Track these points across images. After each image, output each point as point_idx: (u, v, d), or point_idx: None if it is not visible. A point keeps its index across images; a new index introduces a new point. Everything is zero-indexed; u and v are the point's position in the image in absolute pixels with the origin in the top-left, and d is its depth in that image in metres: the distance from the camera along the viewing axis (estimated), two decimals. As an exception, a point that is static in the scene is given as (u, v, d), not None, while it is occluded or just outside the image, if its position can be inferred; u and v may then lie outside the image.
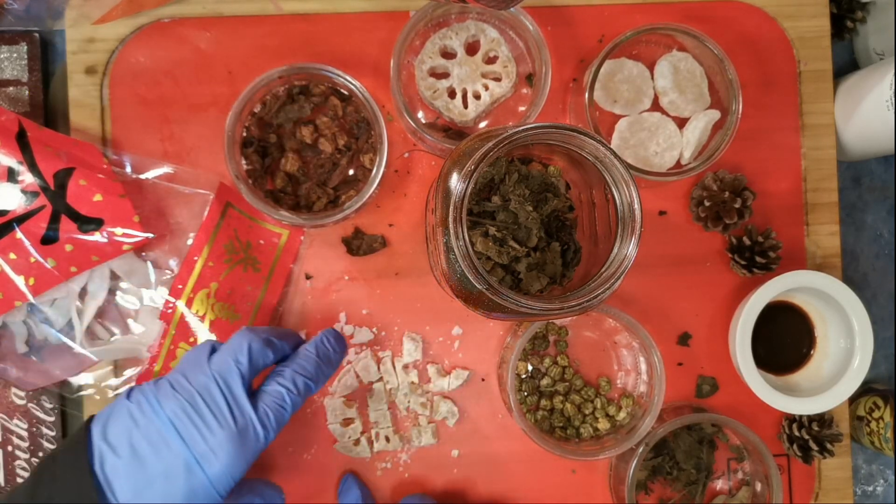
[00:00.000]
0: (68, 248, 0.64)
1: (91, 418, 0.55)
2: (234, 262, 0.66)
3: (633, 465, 0.67)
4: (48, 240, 0.64)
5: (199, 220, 0.67)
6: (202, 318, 0.65)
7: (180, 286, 0.65)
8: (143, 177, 0.67)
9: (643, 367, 0.71)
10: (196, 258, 0.65)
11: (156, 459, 0.51)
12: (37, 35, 0.70)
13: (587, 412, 0.70)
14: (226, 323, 0.66)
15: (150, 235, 0.66)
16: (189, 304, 0.65)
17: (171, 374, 0.55)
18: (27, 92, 0.69)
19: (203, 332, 0.65)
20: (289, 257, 0.69)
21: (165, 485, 0.50)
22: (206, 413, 0.52)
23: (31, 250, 0.63)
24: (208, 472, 0.51)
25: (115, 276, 0.68)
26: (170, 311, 0.65)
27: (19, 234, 0.63)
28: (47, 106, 0.70)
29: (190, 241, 0.67)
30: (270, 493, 0.62)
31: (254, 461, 0.54)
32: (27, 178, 0.63)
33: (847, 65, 0.78)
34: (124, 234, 0.65)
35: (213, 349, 0.58)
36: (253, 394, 0.56)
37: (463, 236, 0.50)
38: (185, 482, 0.51)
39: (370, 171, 0.66)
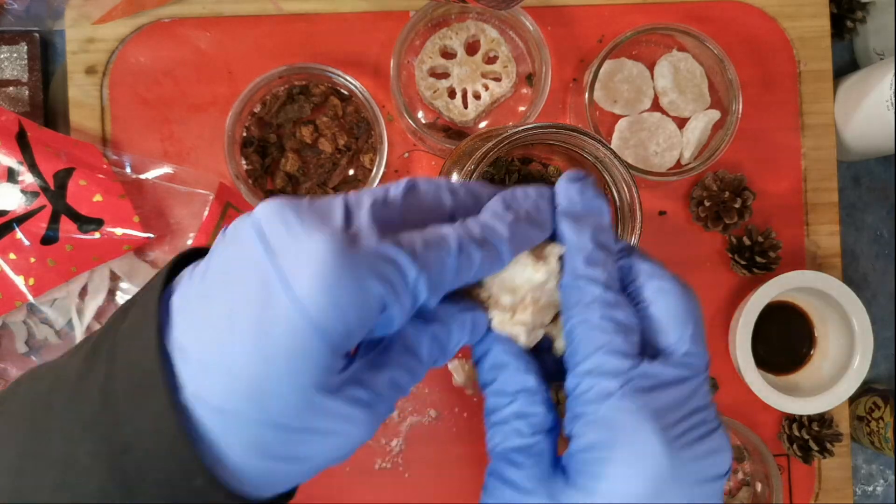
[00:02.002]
0: (68, 248, 0.64)
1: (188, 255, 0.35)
2: None
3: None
4: (48, 240, 0.64)
5: (199, 221, 0.67)
6: None
7: None
8: (143, 177, 0.67)
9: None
10: None
11: (224, 277, 0.30)
12: (37, 35, 0.70)
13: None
14: None
15: (150, 236, 0.66)
16: None
17: None
18: (27, 92, 0.69)
19: None
20: None
21: (232, 308, 0.29)
22: (307, 213, 0.30)
23: (31, 250, 0.63)
24: (296, 289, 0.28)
25: (114, 277, 0.68)
26: None
27: (19, 235, 0.63)
28: (47, 106, 0.70)
29: (190, 242, 0.67)
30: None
31: (384, 300, 0.30)
32: (27, 178, 0.63)
33: (847, 65, 0.78)
34: (124, 235, 0.65)
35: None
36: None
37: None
38: (259, 303, 0.28)
39: (370, 171, 0.66)
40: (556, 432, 0.35)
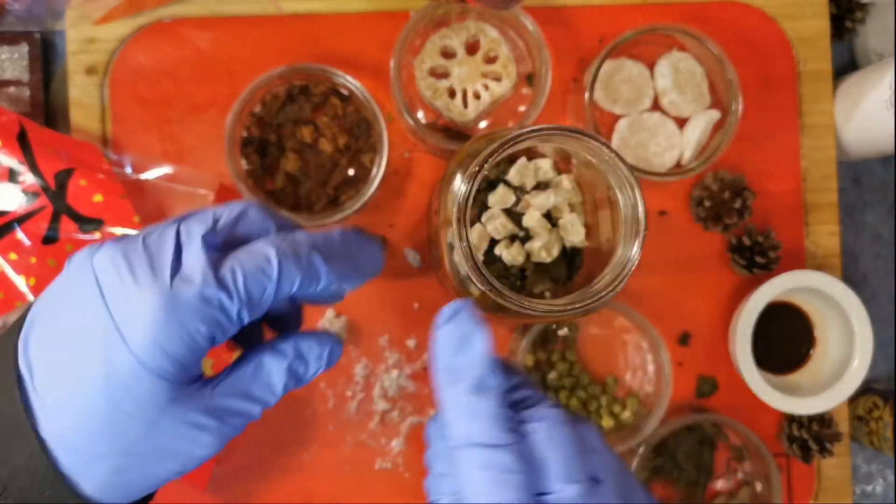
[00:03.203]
0: (69, 248, 0.64)
1: None
2: None
3: (634, 465, 0.67)
4: (49, 240, 0.64)
5: None
6: None
7: None
8: (143, 177, 0.67)
9: (650, 367, 0.71)
10: None
11: (70, 326, 0.35)
12: (37, 35, 0.70)
13: (592, 409, 0.70)
14: None
15: None
16: None
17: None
18: (28, 92, 0.69)
19: None
20: None
21: (79, 359, 0.34)
22: (139, 263, 0.35)
23: (32, 251, 0.63)
24: (129, 342, 0.34)
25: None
26: None
27: (20, 235, 0.63)
28: (48, 106, 0.70)
29: None
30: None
31: (211, 333, 0.35)
32: (28, 178, 0.63)
33: (847, 65, 0.78)
34: (125, 235, 0.65)
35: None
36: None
37: (466, 237, 0.51)
38: (102, 353, 0.34)
39: (370, 171, 0.66)
40: None
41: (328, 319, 0.70)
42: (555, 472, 0.37)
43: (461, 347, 0.39)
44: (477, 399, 0.38)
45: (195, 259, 0.35)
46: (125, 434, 0.34)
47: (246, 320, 0.36)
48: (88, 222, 0.64)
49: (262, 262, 0.36)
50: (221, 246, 0.37)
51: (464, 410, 0.38)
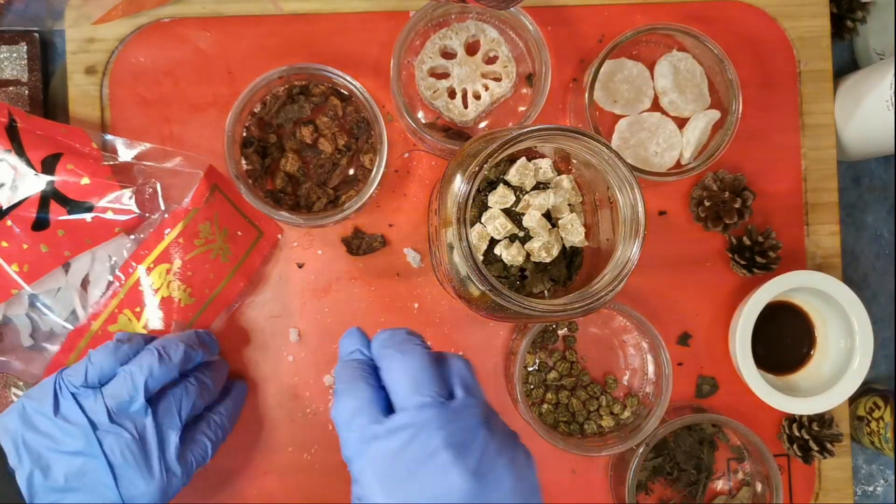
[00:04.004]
0: (60, 232, 0.64)
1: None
2: (206, 244, 0.66)
3: (634, 465, 0.67)
4: (39, 225, 0.64)
5: (187, 198, 0.66)
6: (155, 292, 0.65)
7: (144, 252, 0.64)
8: (131, 158, 0.67)
9: (650, 367, 0.71)
10: (168, 231, 0.64)
11: (83, 491, 0.55)
12: (37, 35, 0.69)
13: (592, 409, 0.70)
14: (177, 304, 0.66)
15: (138, 213, 0.66)
16: (147, 273, 0.65)
17: (111, 386, 0.57)
18: (27, 92, 0.69)
19: (151, 306, 0.65)
20: (257, 258, 0.69)
21: None
22: (142, 461, 0.56)
23: (23, 237, 0.63)
24: None
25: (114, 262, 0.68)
26: (130, 271, 0.65)
27: (9, 223, 0.63)
28: (47, 106, 0.70)
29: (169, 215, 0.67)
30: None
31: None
32: (17, 164, 0.63)
33: (847, 65, 0.78)
34: (114, 217, 0.65)
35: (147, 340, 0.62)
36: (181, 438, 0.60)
37: (466, 237, 0.51)
38: None
39: (370, 171, 0.66)
40: None
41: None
42: (400, 386, 0.47)
43: (347, 348, 0.53)
44: (347, 365, 0.52)
45: (174, 455, 0.58)
46: None
47: None
48: (77, 206, 0.64)
49: (204, 455, 0.61)
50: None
51: (339, 375, 0.51)
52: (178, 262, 0.65)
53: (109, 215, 0.65)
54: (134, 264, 0.65)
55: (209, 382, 0.63)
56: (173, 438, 0.58)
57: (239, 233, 0.67)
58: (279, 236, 0.70)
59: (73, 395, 0.56)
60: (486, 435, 0.45)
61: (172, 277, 0.65)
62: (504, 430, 0.48)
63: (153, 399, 0.58)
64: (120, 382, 0.57)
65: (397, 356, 0.48)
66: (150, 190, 0.67)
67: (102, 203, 0.65)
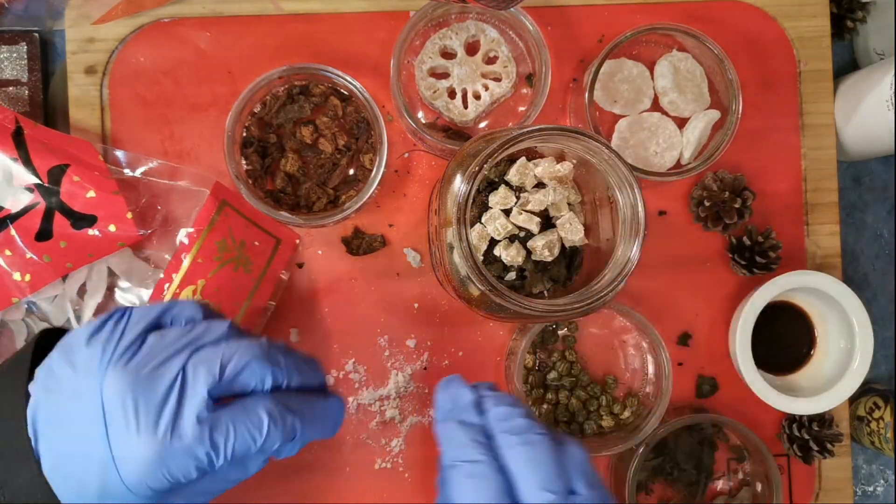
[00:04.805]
0: (62, 244, 0.64)
1: (51, 332, 0.48)
2: (226, 260, 0.66)
3: (634, 465, 0.67)
4: (42, 236, 0.64)
5: (192, 217, 0.67)
6: None
7: (167, 284, 0.64)
8: (137, 174, 0.67)
9: (650, 367, 0.71)
10: (185, 255, 0.64)
11: (77, 437, 0.43)
12: (37, 35, 0.69)
13: (592, 409, 0.70)
14: None
15: (144, 232, 0.66)
16: (175, 298, 0.64)
17: (156, 336, 0.45)
18: (27, 92, 0.69)
19: None
20: (280, 264, 0.68)
21: (81, 470, 0.43)
22: (143, 410, 0.42)
23: (27, 247, 0.64)
24: (123, 476, 0.42)
25: (113, 275, 0.68)
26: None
27: (13, 232, 0.63)
28: (47, 106, 0.70)
29: (185, 240, 0.67)
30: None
31: (192, 477, 0.44)
32: (22, 174, 0.63)
33: (847, 65, 0.78)
34: (117, 231, 0.65)
35: (230, 327, 0.47)
36: (223, 404, 0.45)
37: (466, 237, 0.51)
38: (99, 477, 0.42)
39: (370, 171, 0.66)
40: None
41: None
42: (527, 481, 0.45)
43: (453, 402, 0.50)
44: (460, 430, 0.47)
45: (193, 418, 0.43)
46: None
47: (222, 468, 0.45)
48: (81, 218, 0.64)
49: (255, 429, 0.44)
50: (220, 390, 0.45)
51: (450, 440, 0.48)
52: (202, 282, 0.65)
53: (112, 229, 0.65)
54: (163, 292, 0.64)
55: (286, 358, 0.47)
56: (199, 390, 0.43)
57: (256, 243, 0.67)
58: (297, 241, 0.69)
59: (119, 333, 0.45)
60: None
61: (199, 297, 0.65)
62: None
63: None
64: (178, 335, 0.46)
65: (523, 448, 0.46)
66: (158, 207, 0.68)
67: (106, 217, 0.65)
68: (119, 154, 0.67)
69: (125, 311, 0.46)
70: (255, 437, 0.44)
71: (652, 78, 0.71)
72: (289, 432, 0.45)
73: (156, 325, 0.46)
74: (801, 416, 0.72)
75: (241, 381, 0.45)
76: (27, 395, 0.44)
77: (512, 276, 0.58)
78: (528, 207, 0.57)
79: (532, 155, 0.60)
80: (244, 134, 0.68)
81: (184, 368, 0.43)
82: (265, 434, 0.44)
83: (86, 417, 0.42)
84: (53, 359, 0.45)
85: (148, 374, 0.43)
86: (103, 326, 0.45)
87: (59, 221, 0.64)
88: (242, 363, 0.45)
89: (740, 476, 0.73)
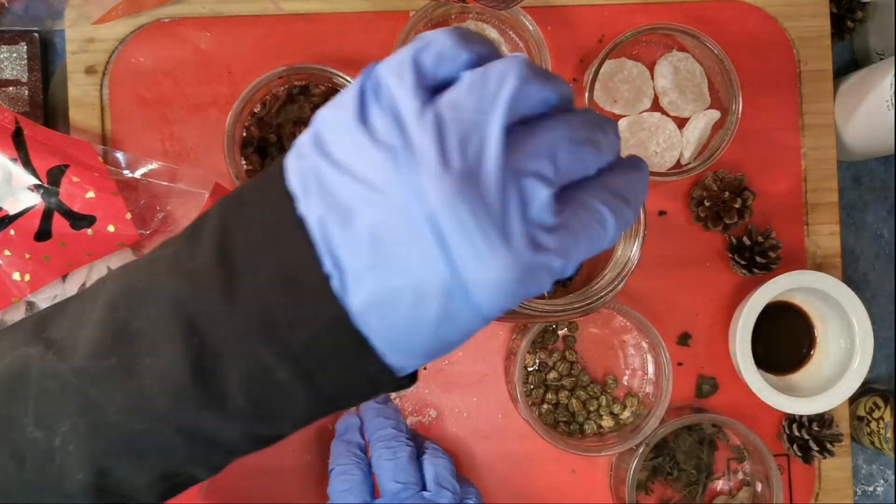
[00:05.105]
0: (61, 244, 0.64)
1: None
2: None
3: (634, 465, 0.67)
4: (42, 236, 0.64)
5: (193, 219, 0.67)
6: None
7: None
8: (137, 174, 0.67)
9: (650, 367, 0.71)
10: None
11: (403, 266, 0.31)
12: (36, 35, 0.69)
13: (592, 409, 0.70)
14: None
15: (143, 232, 0.66)
16: None
17: (452, 92, 0.31)
18: (27, 92, 0.69)
19: None
20: None
21: (413, 305, 0.31)
22: (488, 225, 0.30)
23: (26, 247, 0.64)
24: (476, 302, 0.32)
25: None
26: None
27: (12, 232, 0.63)
28: (47, 106, 0.70)
29: None
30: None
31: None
32: (21, 174, 0.63)
33: (847, 65, 0.78)
34: (116, 232, 0.65)
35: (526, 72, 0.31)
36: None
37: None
38: (440, 307, 0.32)
39: (370, 171, 0.66)
40: None
41: None
42: (385, 475, 0.60)
43: (345, 426, 0.67)
44: (342, 446, 0.65)
45: (543, 214, 0.31)
46: (442, 349, 0.34)
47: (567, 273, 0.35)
48: (80, 219, 0.64)
49: (600, 233, 0.33)
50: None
51: (334, 453, 0.65)
52: None
53: (112, 230, 0.65)
54: None
55: (597, 130, 0.34)
56: (540, 191, 0.31)
57: None
58: None
59: (389, 97, 0.31)
60: None
61: None
62: None
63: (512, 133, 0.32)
64: (466, 88, 0.31)
65: (386, 451, 0.61)
66: (157, 209, 0.68)
67: (105, 218, 0.65)
68: (119, 155, 0.67)
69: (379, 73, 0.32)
70: (600, 243, 0.34)
71: (652, 78, 0.71)
72: (624, 221, 0.35)
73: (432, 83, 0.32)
74: (801, 416, 0.72)
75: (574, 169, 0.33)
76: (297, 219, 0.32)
77: None
78: None
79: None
80: (244, 134, 0.68)
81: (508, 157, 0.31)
82: (610, 238, 0.34)
83: (406, 242, 0.31)
84: (326, 171, 0.31)
85: (473, 173, 0.31)
86: (366, 104, 0.31)
87: (59, 222, 0.64)
88: (578, 142, 0.33)
89: (740, 476, 0.73)
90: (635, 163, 0.37)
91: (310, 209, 0.31)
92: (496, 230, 0.30)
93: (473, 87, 0.31)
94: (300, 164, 0.32)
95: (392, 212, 0.30)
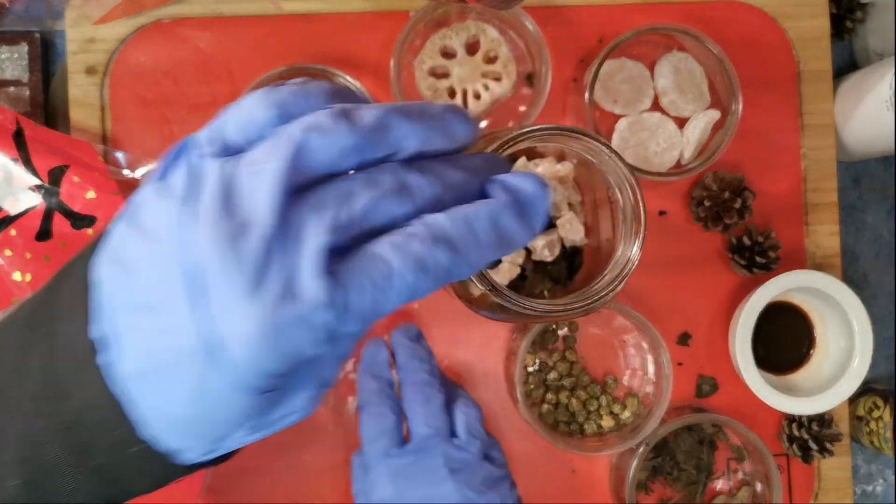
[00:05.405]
0: (62, 244, 0.64)
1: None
2: None
3: (634, 465, 0.67)
4: (42, 236, 0.64)
5: None
6: None
7: None
8: (137, 174, 0.67)
9: (650, 367, 0.71)
10: None
11: (169, 321, 0.29)
12: (37, 35, 0.70)
13: (592, 409, 0.70)
14: None
15: None
16: None
17: (255, 152, 0.30)
18: (28, 92, 0.69)
19: None
20: None
21: (174, 366, 0.29)
22: (239, 276, 0.28)
23: (27, 247, 0.64)
24: (232, 359, 0.29)
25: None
26: None
27: (13, 232, 0.63)
28: (47, 106, 0.70)
29: None
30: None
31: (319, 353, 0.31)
32: (22, 174, 0.63)
33: (847, 65, 0.78)
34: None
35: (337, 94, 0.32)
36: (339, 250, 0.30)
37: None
38: (201, 366, 0.29)
39: (370, 171, 0.66)
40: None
41: None
42: (416, 418, 0.60)
43: (372, 358, 0.65)
44: (372, 381, 0.63)
45: (312, 267, 0.29)
46: (207, 427, 0.31)
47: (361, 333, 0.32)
48: (81, 219, 0.64)
49: (383, 283, 0.30)
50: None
51: (364, 388, 0.63)
52: None
53: None
54: None
55: (430, 175, 0.32)
56: (314, 242, 0.29)
57: None
58: None
59: (190, 158, 0.31)
60: (476, 463, 0.59)
61: None
62: (499, 463, 0.61)
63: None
64: (263, 146, 0.30)
65: (419, 396, 0.61)
66: None
67: (106, 219, 0.65)
68: (119, 155, 0.67)
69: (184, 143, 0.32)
70: (386, 290, 0.30)
71: (652, 78, 0.71)
72: (437, 275, 0.32)
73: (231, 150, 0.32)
74: (800, 416, 0.72)
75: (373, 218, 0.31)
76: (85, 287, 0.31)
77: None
78: None
79: (532, 155, 0.60)
80: (244, 134, 0.68)
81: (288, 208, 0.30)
82: (399, 286, 0.31)
83: (169, 295, 0.29)
84: (118, 228, 0.31)
85: (246, 224, 0.29)
86: (168, 170, 0.31)
87: (59, 222, 0.64)
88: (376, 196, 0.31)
89: (740, 476, 0.73)
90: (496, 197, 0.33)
91: (99, 267, 0.31)
92: (245, 281, 0.28)
93: (267, 144, 0.30)
94: (110, 226, 0.32)
95: (165, 264, 0.29)
